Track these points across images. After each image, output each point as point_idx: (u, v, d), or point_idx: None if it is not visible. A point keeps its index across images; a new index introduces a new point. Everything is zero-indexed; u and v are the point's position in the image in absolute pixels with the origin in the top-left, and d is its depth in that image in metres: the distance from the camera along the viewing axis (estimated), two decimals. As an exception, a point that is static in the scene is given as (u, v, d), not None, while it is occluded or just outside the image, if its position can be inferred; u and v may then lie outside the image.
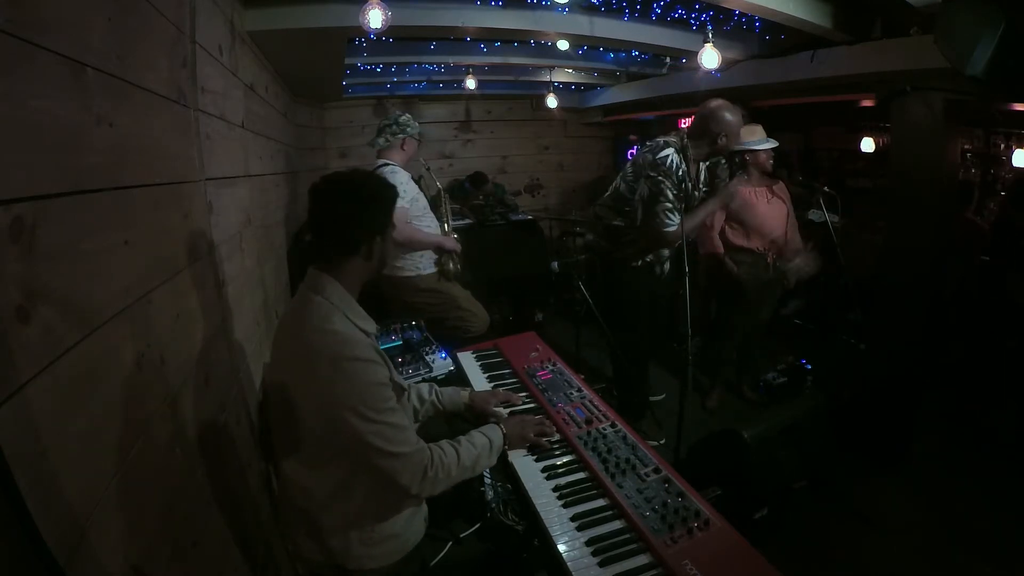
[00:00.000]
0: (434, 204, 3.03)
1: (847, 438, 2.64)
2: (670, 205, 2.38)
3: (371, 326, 1.29)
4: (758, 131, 2.98)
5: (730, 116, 2.42)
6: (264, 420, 1.62)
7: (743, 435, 1.92)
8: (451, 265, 2.84)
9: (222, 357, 1.51)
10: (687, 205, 2.52)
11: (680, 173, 2.45)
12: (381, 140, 2.77)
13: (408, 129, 2.76)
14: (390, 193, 1.28)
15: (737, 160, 2.90)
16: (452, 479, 1.29)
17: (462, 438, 1.38)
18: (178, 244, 1.26)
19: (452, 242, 2.84)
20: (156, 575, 0.92)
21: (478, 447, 1.36)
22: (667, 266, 2.80)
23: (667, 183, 2.40)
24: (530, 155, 6.00)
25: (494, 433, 1.42)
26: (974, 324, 3.23)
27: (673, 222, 2.40)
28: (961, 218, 3.57)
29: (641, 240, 2.60)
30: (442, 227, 2.93)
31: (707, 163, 2.57)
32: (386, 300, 2.86)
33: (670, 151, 2.44)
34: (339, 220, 1.23)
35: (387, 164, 2.73)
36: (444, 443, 1.32)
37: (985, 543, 2.14)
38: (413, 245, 2.73)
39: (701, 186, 2.61)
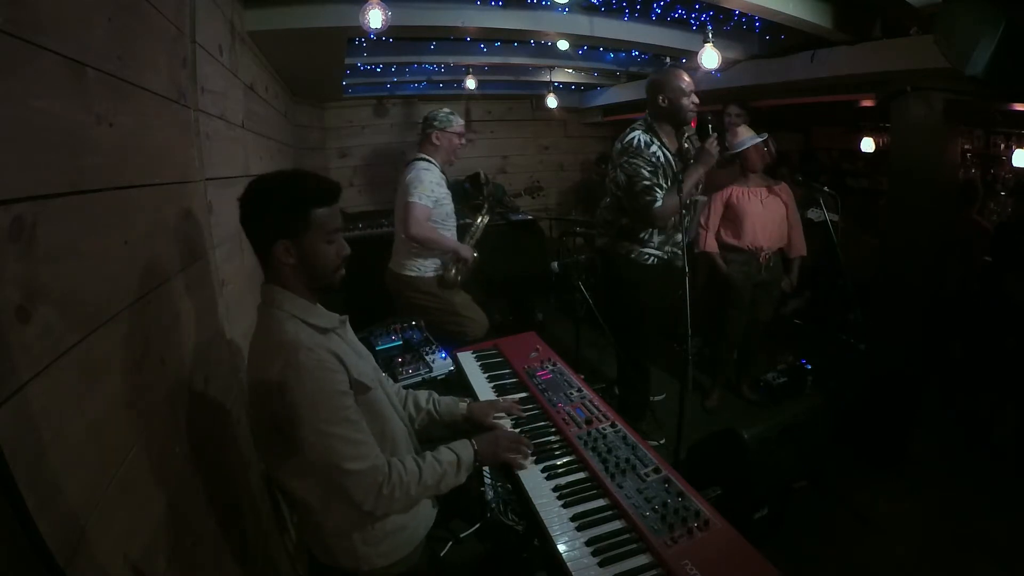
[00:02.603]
0: (474, 210, 3.02)
1: (847, 438, 2.64)
2: (647, 183, 2.38)
3: (331, 321, 1.26)
4: (741, 132, 3.01)
5: (665, 77, 2.43)
6: None
7: (743, 435, 1.91)
8: (452, 273, 2.78)
9: (222, 357, 1.51)
10: (675, 179, 2.44)
11: (652, 149, 2.44)
12: (420, 135, 2.79)
13: (435, 123, 2.71)
14: (293, 196, 1.18)
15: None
16: (412, 498, 1.25)
17: (428, 454, 1.32)
18: (178, 244, 1.26)
19: (467, 251, 2.80)
20: (156, 575, 0.92)
21: (443, 465, 1.30)
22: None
23: (638, 162, 2.40)
24: (530, 155, 5.99)
25: (464, 450, 1.36)
26: (974, 324, 3.23)
27: (656, 197, 2.39)
28: (965, 218, 3.57)
29: (638, 225, 2.57)
30: (466, 237, 2.88)
31: (686, 135, 2.53)
32: (391, 295, 2.86)
33: (635, 132, 2.46)
34: (244, 226, 1.20)
35: (419, 159, 2.71)
36: (408, 459, 1.27)
37: (985, 543, 2.14)
38: (428, 244, 2.69)
39: (690, 159, 2.53)
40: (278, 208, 1.17)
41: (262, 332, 1.21)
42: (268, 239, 1.17)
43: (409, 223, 2.60)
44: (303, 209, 1.17)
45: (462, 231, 2.99)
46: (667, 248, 2.62)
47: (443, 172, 2.78)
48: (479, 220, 2.98)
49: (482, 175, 3.00)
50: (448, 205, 2.76)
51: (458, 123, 2.73)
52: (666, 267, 2.65)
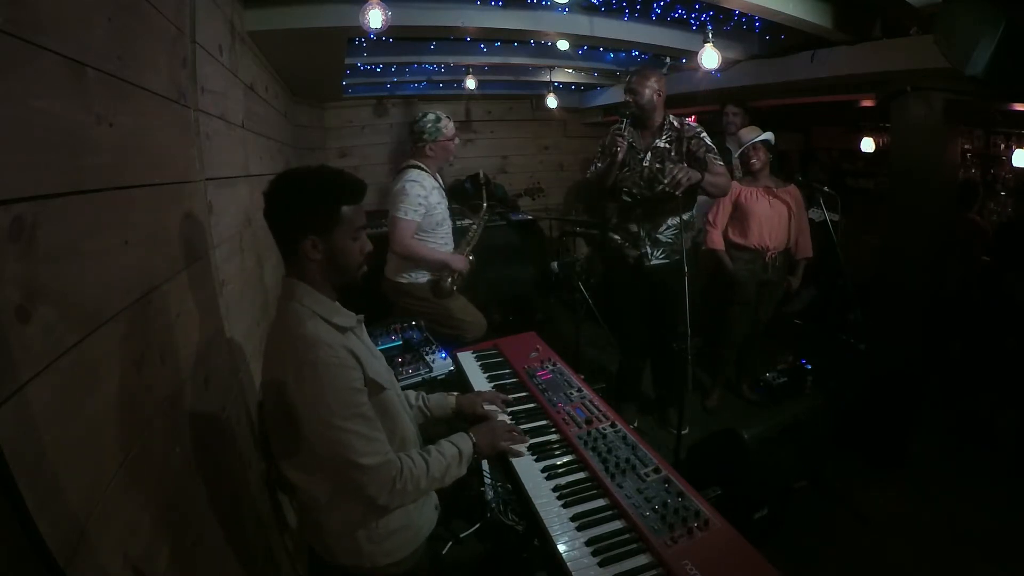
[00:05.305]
0: (474, 210, 3.00)
1: (847, 438, 2.64)
2: (595, 160, 2.79)
3: (349, 320, 1.28)
4: (743, 134, 3.03)
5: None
6: (263, 421, 1.62)
7: (743, 435, 1.92)
8: (448, 282, 2.74)
9: (222, 357, 1.51)
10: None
11: (608, 139, 2.67)
12: (410, 143, 2.73)
13: (425, 136, 2.62)
14: (323, 192, 1.19)
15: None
16: (421, 490, 1.27)
17: (432, 448, 1.35)
18: (178, 244, 1.26)
19: (460, 262, 2.74)
20: (156, 575, 0.92)
21: (447, 457, 1.33)
22: (651, 251, 2.70)
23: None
24: (530, 155, 5.99)
25: (463, 443, 1.39)
26: (974, 324, 3.23)
27: (591, 168, 2.77)
28: (964, 218, 3.57)
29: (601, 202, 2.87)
30: (462, 245, 2.85)
31: (666, 132, 2.63)
32: (388, 300, 2.85)
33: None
34: (270, 220, 1.21)
35: (411, 168, 2.64)
36: (414, 453, 1.30)
37: (985, 543, 2.14)
38: (414, 259, 2.67)
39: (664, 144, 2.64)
40: (310, 203, 1.18)
41: (281, 326, 1.22)
42: (296, 234, 1.19)
43: (393, 240, 2.59)
44: (334, 205, 1.19)
45: (461, 234, 2.97)
46: (621, 233, 2.77)
47: (437, 177, 2.72)
48: (475, 226, 2.95)
49: (481, 175, 2.99)
50: (441, 212, 2.70)
51: (448, 129, 2.65)
52: (620, 256, 2.80)
